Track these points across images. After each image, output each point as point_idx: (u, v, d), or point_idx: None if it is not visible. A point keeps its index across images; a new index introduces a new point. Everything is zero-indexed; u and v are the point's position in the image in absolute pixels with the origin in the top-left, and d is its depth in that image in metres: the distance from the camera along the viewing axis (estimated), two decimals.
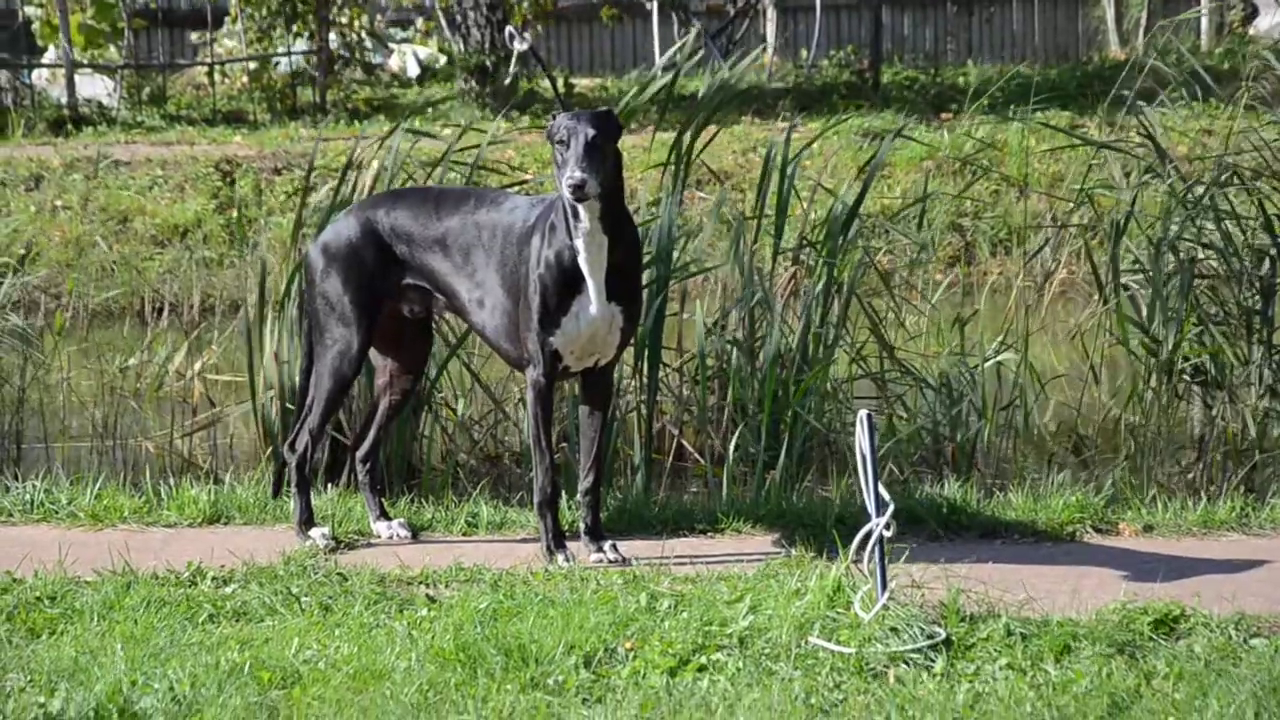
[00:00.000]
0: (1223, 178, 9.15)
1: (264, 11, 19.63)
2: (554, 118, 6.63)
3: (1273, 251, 8.93)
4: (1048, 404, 9.36)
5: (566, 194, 6.44)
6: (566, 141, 6.46)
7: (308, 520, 7.09)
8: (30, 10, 19.90)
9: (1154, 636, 5.74)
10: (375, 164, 8.93)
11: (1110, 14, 23.39)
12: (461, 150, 9.21)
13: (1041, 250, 11.43)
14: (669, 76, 9.91)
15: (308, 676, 5.52)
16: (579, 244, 6.60)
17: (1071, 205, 11.12)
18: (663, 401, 8.75)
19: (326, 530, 7.06)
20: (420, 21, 21.84)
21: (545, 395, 6.75)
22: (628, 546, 6.83)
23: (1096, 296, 9.41)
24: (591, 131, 6.46)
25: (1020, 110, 14.87)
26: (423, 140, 10.65)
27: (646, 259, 8.42)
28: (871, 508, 5.81)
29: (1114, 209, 9.90)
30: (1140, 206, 9.36)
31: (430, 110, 18.62)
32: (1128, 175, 9.89)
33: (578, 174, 6.38)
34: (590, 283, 6.63)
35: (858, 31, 23.22)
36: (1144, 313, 9.08)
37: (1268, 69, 9.86)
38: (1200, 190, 9.14)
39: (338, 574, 6.50)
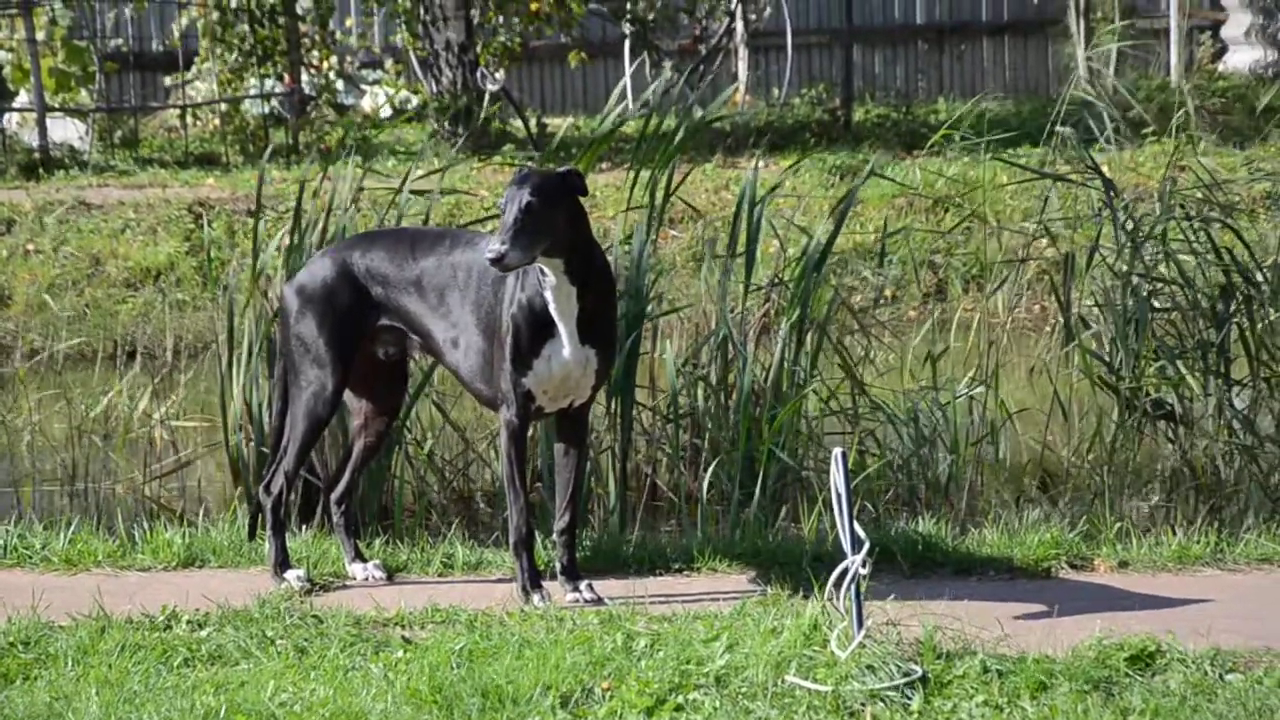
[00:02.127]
0: (1169, 210, 9.23)
1: (235, 54, 19.64)
2: (518, 171, 6.64)
3: (1225, 284, 8.99)
4: (1017, 440, 9.38)
5: (485, 264, 6.45)
6: (503, 208, 6.48)
7: (283, 562, 7.08)
8: (1, 55, 19.88)
9: (1130, 672, 5.74)
10: (343, 203, 8.91)
11: (1080, 51, 23.47)
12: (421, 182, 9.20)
13: (999, 286, 11.49)
14: (622, 115, 9.90)
15: (284, 719, 5.50)
16: (547, 294, 6.61)
17: (1031, 240, 11.18)
18: (636, 440, 8.75)
19: (302, 572, 7.04)
20: (390, 63, 21.86)
21: (519, 435, 6.74)
22: (603, 586, 6.82)
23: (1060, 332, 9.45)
24: (527, 198, 6.44)
25: (990, 147, 14.93)
26: (390, 179, 10.65)
27: (619, 297, 8.44)
28: (847, 545, 5.82)
29: (1071, 244, 9.96)
30: (1098, 241, 9.42)
31: (402, 150, 18.65)
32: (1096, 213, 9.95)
33: (496, 246, 6.37)
34: (561, 327, 6.64)
35: (829, 69, 23.30)
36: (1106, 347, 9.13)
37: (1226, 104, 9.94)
38: (1148, 225, 9.21)
39: (313, 616, 6.48)
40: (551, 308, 6.61)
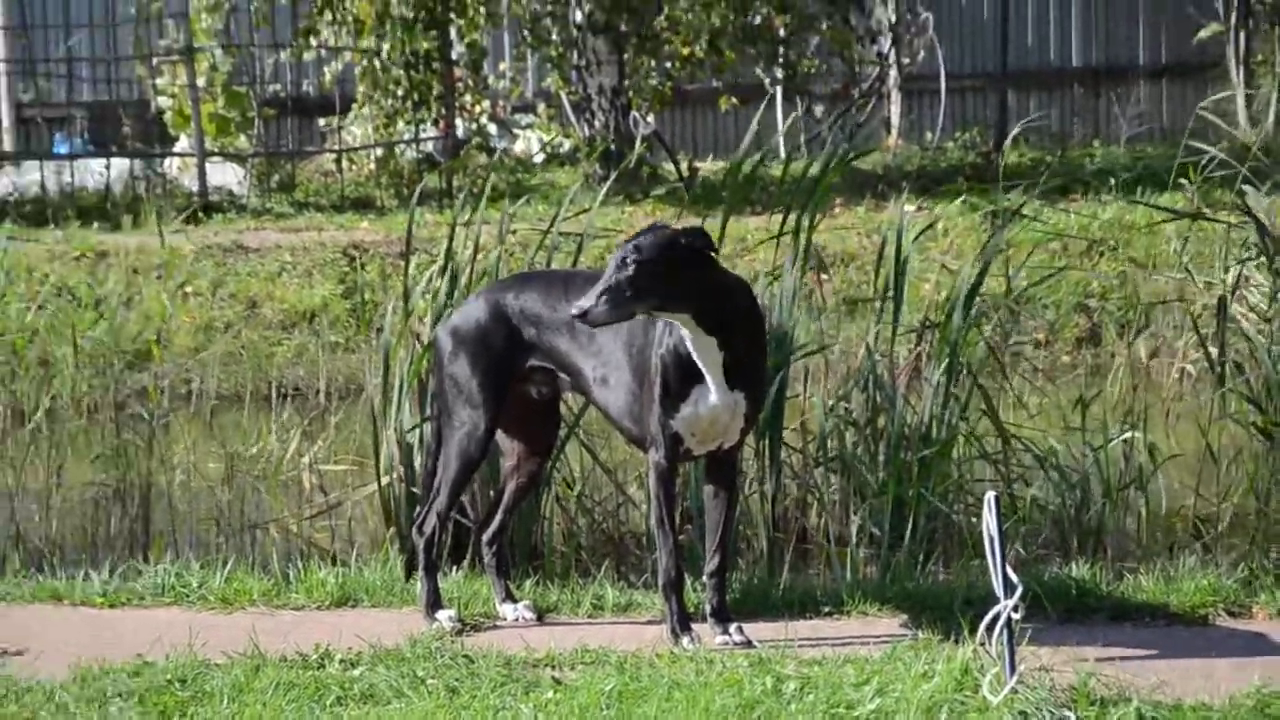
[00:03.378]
0: None
1: (390, 99, 19.84)
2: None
3: None
4: (1171, 486, 9.27)
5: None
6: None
7: (435, 603, 7.12)
8: (162, 100, 20.20)
9: None
10: (494, 247, 8.98)
11: (1240, 95, 23.21)
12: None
13: (1142, 332, 11.37)
14: (764, 157, 9.88)
15: None
16: (688, 343, 6.61)
17: (1183, 284, 11.07)
18: (785, 483, 8.73)
19: (453, 613, 7.08)
20: (543, 107, 22.00)
21: (667, 477, 6.75)
22: (752, 629, 6.80)
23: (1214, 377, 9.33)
24: (626, 255, 6.44)
25: (1142, 191, 14.82)
26: (540, 221, 10.71)
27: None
28: (999, 589, 5.77)
29: (1224, 288, 9.84)
30: (1239, 281, 9.31)
31: (554, 193, 18.74)
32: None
33: (583, 301, 6.43)
34: (707, 374, 6.63)
35: (983, 113, 23.17)
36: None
37: None
38: None
39: (464, 656, 6.51)
40: (694, 356, 6.61)
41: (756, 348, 6.77)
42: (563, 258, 9.29)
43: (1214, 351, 9.12)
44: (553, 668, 6.45)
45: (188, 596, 7.53)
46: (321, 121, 21.06)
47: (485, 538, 7.33)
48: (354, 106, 20.21)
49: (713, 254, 6.62)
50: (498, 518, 7.33)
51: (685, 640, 6.69)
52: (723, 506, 6.85)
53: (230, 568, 7.74)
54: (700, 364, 6.62)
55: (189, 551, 8.47)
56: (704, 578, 6.87)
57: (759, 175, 9.60)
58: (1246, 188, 9.73)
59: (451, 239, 8.65)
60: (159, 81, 20.16)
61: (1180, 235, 14.27)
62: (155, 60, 20.12)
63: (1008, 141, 10.92)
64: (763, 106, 10.67)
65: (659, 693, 5.97)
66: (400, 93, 19.79)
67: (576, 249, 8.92)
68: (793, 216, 8.92)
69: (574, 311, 6.42)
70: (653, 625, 7.00)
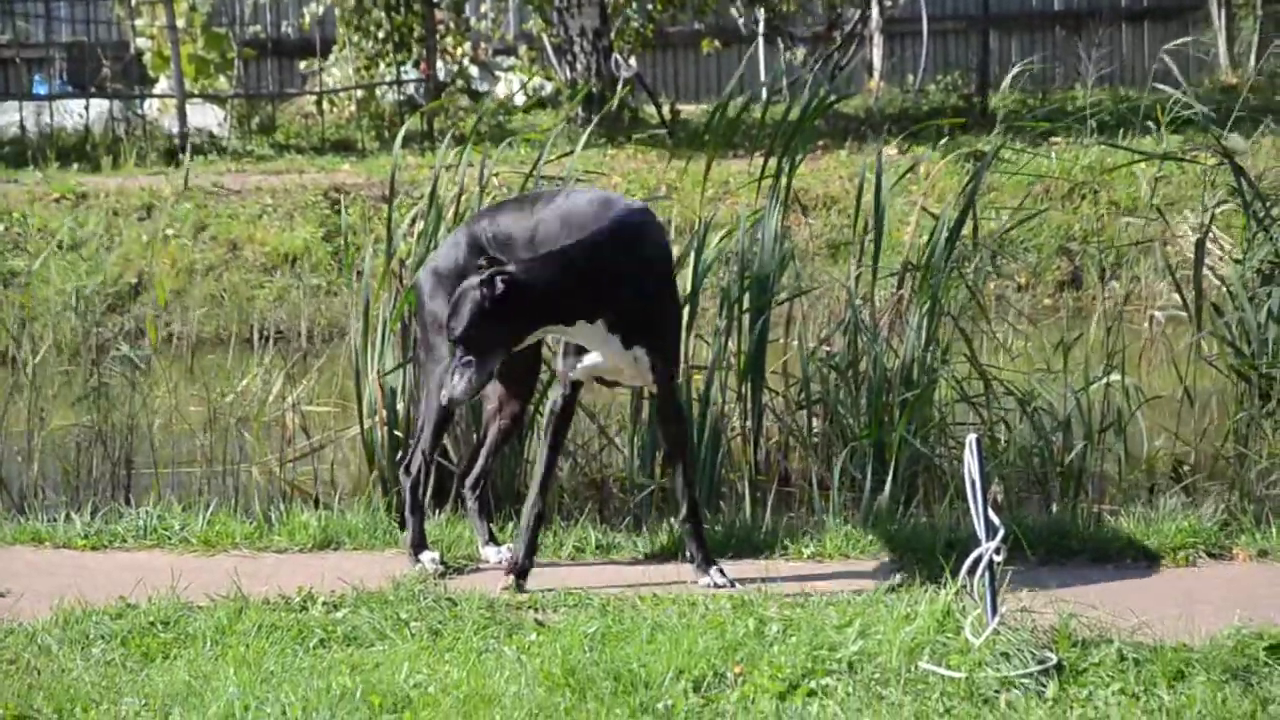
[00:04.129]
0: None
1: (371, 41, 19.77)
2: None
3: None
4: (1151, 429, 9.28)
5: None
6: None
7: (420, 544, 7.13)
8: (141, 41, 20.11)
9: (1269, 662, 5.67)
10: (474, 189, 8.95)
11: (1221, 38, 23.21)
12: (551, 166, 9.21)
13: (1120, 276, 11.37)
14: (747, 100, 9.86)
15: (418, 701, 5.54)
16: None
17: (1160, 227, 11.06)
18: (767, 426, 8.74)
19: (436, 555, 7.09)
20: (524, 50, 21.93)
21: (558, 413, 6.85)
22: (735, 570, 6.82)
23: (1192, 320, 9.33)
24: (451, 334, 6.49)
25: (1129, 135, 14.78)
26: (523, 165, 10.68)
27: (746, 282, 8.44)
28: (981, 532, 5.78)
29: (1198, 230, 9.84)
30: (1210, 224, 9.30)
31: (536, 136, 18.69)
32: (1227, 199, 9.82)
33: (446, 394, 6.52)
34: (591, 347, 6.71)
35: (965, 56, 23.14)
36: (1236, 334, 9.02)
37: None
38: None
39: (447, 599, 6.52)
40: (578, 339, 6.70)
41: (649, 310, 6.69)
42: None
43: (1190, 295, 9.11)
44: (535, 610, 6.47)
45: (170, 539, 7.54)
46: (302, 64, 21.00)
47: (468, 481, 7.34)
48: (334, 48, 20.14)
49: (519, 283, 6.44)
50: (480, 461, 7.34)
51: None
52: (671, 446, 6.91)
53: (212, 510, 7.75)
54: (584, 341, 6.68)
55: (171, 494, 8.47)
56: (678, 524, 6.91)
57: (741, 118, 9.56)
58: (1227, 131, 9.73)
59: (436, 182, 8.62)
60: (138, 22, 20.08)
61: (1150, 179, 14.29)
62: (134, 1, 20.03)
63: (1006, 82, 10.87)
64: (748, 52, 10.64)
65: (641, 634, 5.99)
66: (381, 35, 19.74)
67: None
68: (766, 159, 8.90)
69: (446, 401, 6.51)
70: (635, 567, 7.02)
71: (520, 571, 6.78)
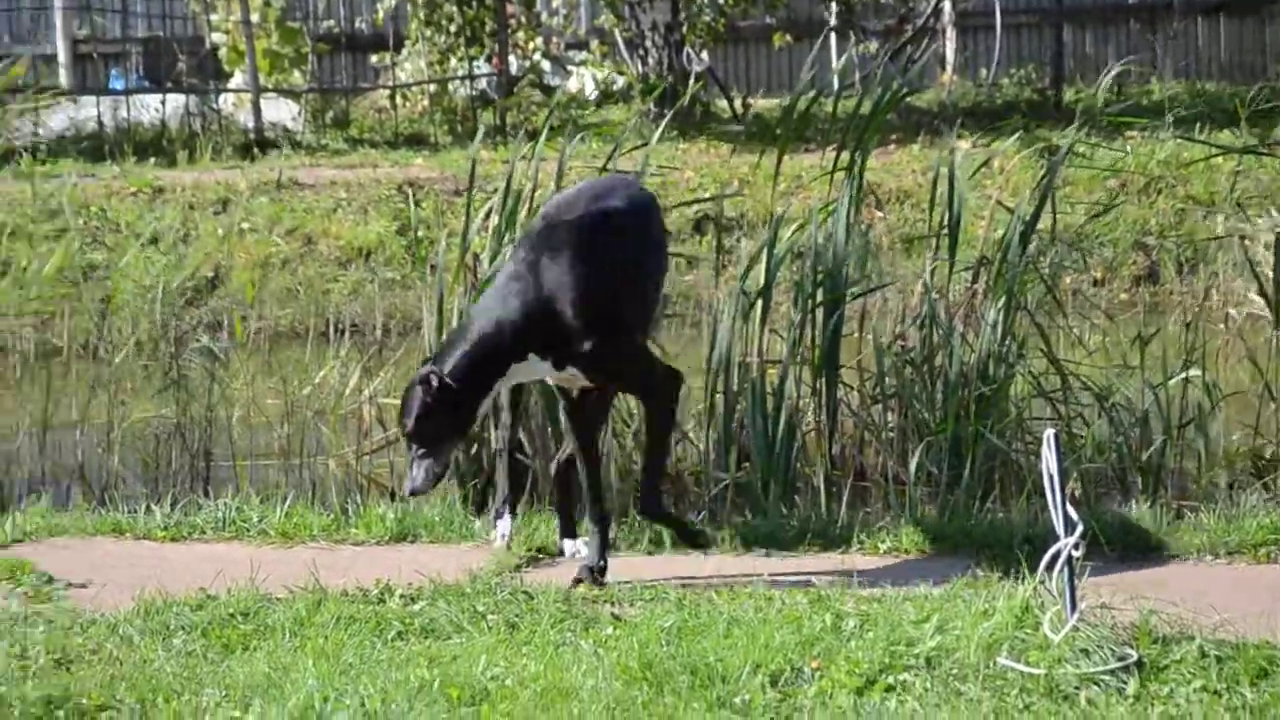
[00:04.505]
0: None
1: (444, 35, 19.82)
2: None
3: None
4: (1230, 425, 9.22)
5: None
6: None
7: (501, 513, 7.28)
8: (217, 37, 20.21)
9: None
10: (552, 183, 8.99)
11: None
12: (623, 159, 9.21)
13: (1190, 270, 11.29)
14: (818, 94, 9.83)
15: (495, 694, 5.55)
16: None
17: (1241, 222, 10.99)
18: (842, 421, 8.72)
19: (508, 528, 7.13)
20: (596, 44, 21.93)
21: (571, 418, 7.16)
22: (812, 564, 6.82)
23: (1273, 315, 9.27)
24: (406, 433, 6.75)
25: (1206, 129, 14.70)
26: (595, 159, 10.69)
27: (820, 277, 8.43)
28: (1060, 527, 5.75)
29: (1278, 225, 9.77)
30: None
31: (608, 130, 18.71)
32: None
33: (407, 487, 6.74)
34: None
35: (1039, 49, 23.01)
36: None
37: None
38: None
39: (523, 592, 6.54)
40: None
41: (584, 341, 6.75)
42: None
43: (1271, 290, 9.04)
44: (612, 604, 6.48)
45: (248, 531, 7.58)
46: (374, 58, 21.05)
47: (554, 470, 7.35)
48: (407, 43, 20.19)
49: (454, 385, 6.61)
50: (567, 450, 7.34)
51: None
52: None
53: (290, 503, 7.79)
54: (523, 377, 6.92)
55: (249, 486, 8.52)
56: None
57: (813, 112, 9.55)
58: None
59: (511, 176, 8.65)
60: (213, 18, 20.17)
61: (1229, 173, 14.18)
62: None
63: (1106, 77, 10.78)
64: (818, 45, 10.62)
65: (718, 629, 5.99)
66: (453, 29, 19.77)
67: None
68: (838, 153, 8.88)
69: (407, 493, 6.73)
70: (711, 560, 7.02)
71: (598, 570, 6.80)
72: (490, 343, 6.70)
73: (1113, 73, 10.34)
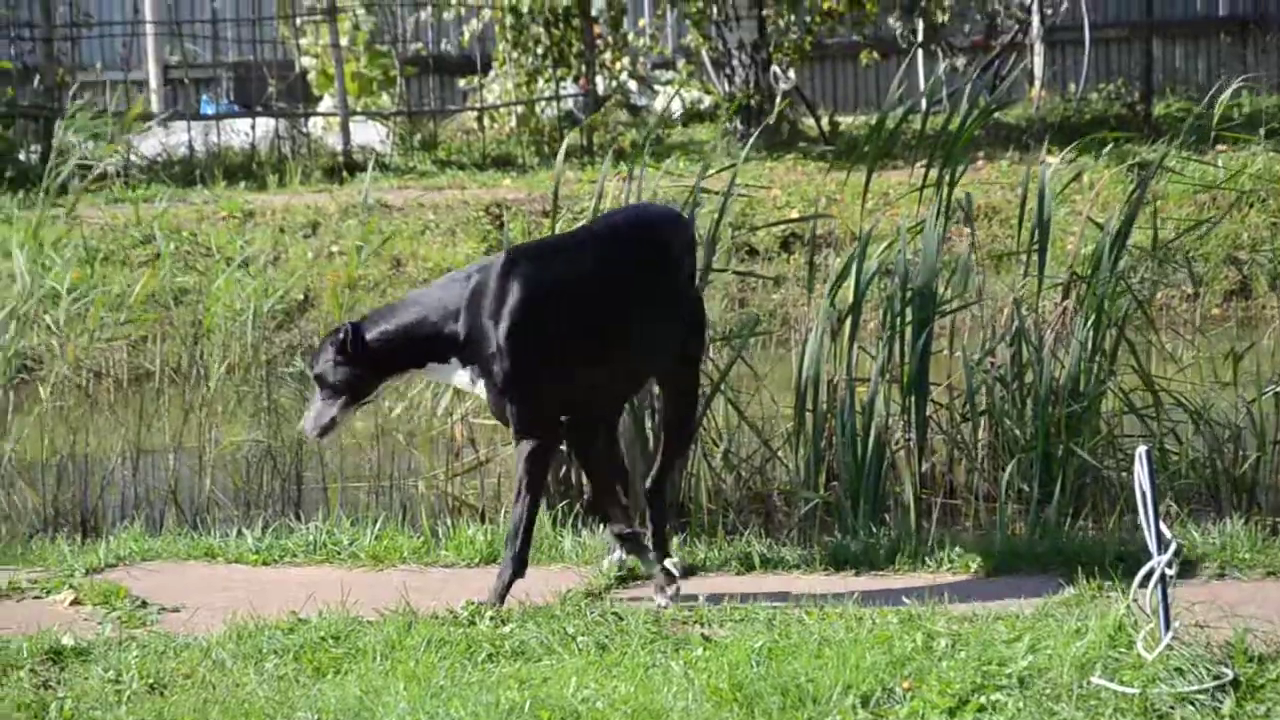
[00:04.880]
0: None
1: (531, 57, 19.88)
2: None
3: None
4: None
5: None
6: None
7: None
8: (306, 61, 20.36)
9: None
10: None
11: None
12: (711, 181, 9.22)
13: None
14: (905, 110, 9.80)
15: (586, 716, 5.56)
16: None
17: None
18: (932, 439, 8.69)
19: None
20: (682, 64, 21.95)
21: None
22: (901, 583, 6.78)
23: None
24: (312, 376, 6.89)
25: None
26: (682, 178, 10.70)
27: (908, 294, 8.41)
28: (1153, 545, 5.71)
29: None
30: None
31: (694, 149, 18.71)
32: None
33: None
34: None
35: (1128, 64, 22.88)
36: None
37: None
38: None
39: (613, 613, 6.54)
40: None
41: (493, 369, 6.75)
42: (705, 215, 9.25)
43: None
44: (702, 625, 6.47)
45: (339, 554, 7.61)
46: (462, 80, 21.14)
47: (645, 489, 7.34)
48: (494, 65, 20.27)
49: (361, 352, 6.76)
50: (656, 469, 7.33)
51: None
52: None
53: (380, 525, 7.81)
54: (440, 377, 7.06)
55: (340, 509, 8.56)
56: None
57: (900, 129, 9.53)
58: None
59: (600, 196, 8.67)
60: (303, 42, 20.32)
61: None
62: (299, 20, 20.28)
63: (1226, 93, 10.67)
64: (905, 62, 10.60)
65: (808, 649, 5.97)
66: (540, 50, 19.84)
67: (720, 207, 8.89)
68: (927, 170, 8.86)
69: (298, 432, 7.07)
70: (800, 580, 7.00)
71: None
72: (415, 331, 6.80)
73: (1231, 88, 10.19)
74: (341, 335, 6.77)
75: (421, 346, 6.81)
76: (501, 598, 6.74)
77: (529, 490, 6.78)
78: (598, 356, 6.85)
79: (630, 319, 6.89)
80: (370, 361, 6.79)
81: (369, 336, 6.78)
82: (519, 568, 6.78)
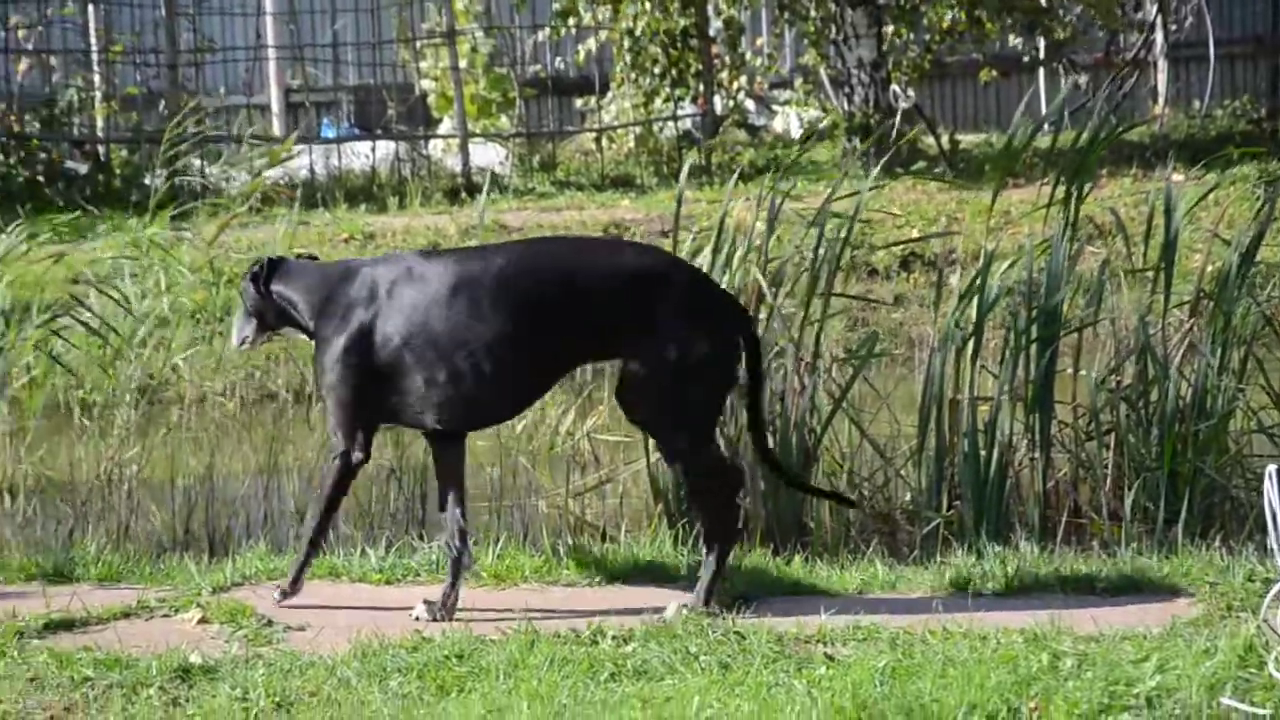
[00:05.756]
0: None
1: (649, 77, 19.92)
2: None
3: None
4: None
5: None
6: None
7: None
8: (426, 84, 20.50)
9: None
10: (758, 224, 9.01)
11: None
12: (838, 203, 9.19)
13: None
14: (1030, 130, 9.74)
15: None
16: None
17: None
18: (1056, 458, 8.63)
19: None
20: (800, 83, 21.92)
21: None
22: (1025, 603, 6.73)
23: None
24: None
25: None
26: (802, 198, 10.68)
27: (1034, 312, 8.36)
28: None
29: None
30: None
31: (812, 169, 18.67)
32: None
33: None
34: None
35: (1253, 80, 22.65)
36: None
37: None
38: None
39: (735, 633, 6.52)
40: None
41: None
42: (824, 234, 9.22)
43: None
44: (824, 644, 6.44)
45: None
46: (580, 101, 21.21)
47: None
48: (612, 85, 20.32)
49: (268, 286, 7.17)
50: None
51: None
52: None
53: (502, 545, 7.82)
54: None
55: None
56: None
57: (1024, 147, 9.48)
58: None
59: (724, 217, 8.68)
60: (422, 65, 20.46)
61: None
62: (418, 44, 20.42)
63: None
64: (1031, 80, 10.54)
65: (933, 669, 5.93)
66: (658, 71, 19.87)
67: (849, 226, 8.85)
68: (1054, 188, 8.80)
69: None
70: (924, 600, 6.96)
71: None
72: (309, 293, 7.11)
73: None
74: (256, 269, 7.20)
75: (297, 310, 7.17)
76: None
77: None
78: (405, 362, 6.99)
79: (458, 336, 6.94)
80: (263, 303, 7.23)
81: (273, 285, 7.17)
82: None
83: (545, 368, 7.01)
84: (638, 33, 19.69)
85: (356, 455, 7.03)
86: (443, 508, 7.17)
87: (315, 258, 7.43)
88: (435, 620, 6.87)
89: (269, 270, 7.16)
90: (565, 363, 7.08)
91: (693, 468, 6.90)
